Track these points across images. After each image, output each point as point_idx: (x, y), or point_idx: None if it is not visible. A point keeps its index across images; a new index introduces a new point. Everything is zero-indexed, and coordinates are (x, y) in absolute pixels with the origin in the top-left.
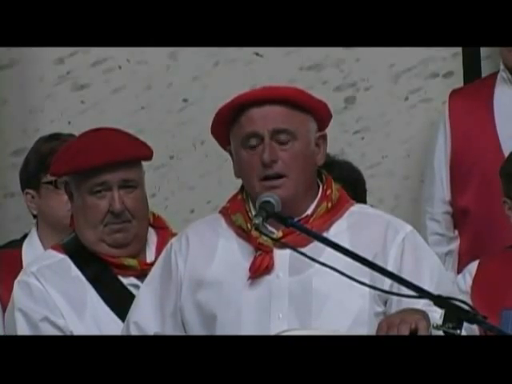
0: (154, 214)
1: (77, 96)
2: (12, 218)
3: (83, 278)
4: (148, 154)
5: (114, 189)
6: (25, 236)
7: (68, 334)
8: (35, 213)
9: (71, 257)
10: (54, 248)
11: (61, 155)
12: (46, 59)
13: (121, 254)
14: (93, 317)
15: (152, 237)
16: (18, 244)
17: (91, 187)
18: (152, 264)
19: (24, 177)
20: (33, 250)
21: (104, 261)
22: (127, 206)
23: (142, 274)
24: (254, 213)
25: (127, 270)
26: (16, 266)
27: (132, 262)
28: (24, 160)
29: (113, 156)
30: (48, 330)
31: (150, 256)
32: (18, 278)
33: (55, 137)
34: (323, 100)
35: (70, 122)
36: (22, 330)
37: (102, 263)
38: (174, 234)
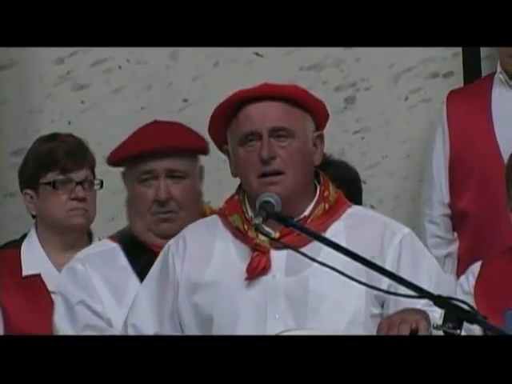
0: (211, 209)
1: (77, 96)
2: (12, 217)
3: (129, 267)
4: (200, 147)
5: (161, 178)
6: (24, 236)
7: (105, 319)
8: (34, 213)
9: (122, 246)
10: (109, 237)
11: (118, 146)
12: (46, 59)
13: (164, 244)
14: None
15: None
16: (17, 244)
17: (139, 175)
18: None
19: (23, 177)
20: (31, 251)
21: (152, 251)
22: (174, 195)
23: None
24: (250, 214)
25: None
26: (15, 266)
27: None
28: (23, 160)
29: (159, 144)
30: (83, 314)
31: None
32: (67, 264)
33: (53, 137)
34: (321, 100)
35: (70, 122)
36: (59, 312)
37: (151, 253)
38: None
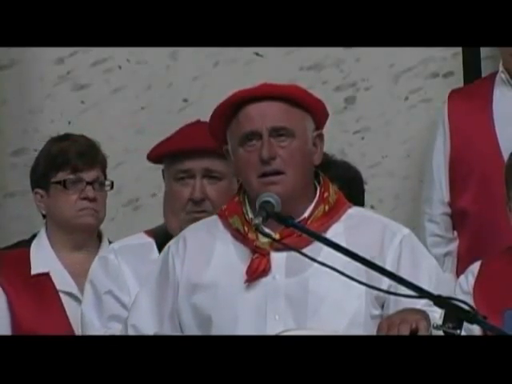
0: None
1: (77, 96)
2: (12, 218)
3: None
4: None
5: (197, 177)
6: (34, 236)
7: None
8: (44, 212)
9: (157, 241)
10: (145, 231)
11: (158, 143)
12: (46, 59)
13: None
14: None
15: None
16: (26, 244)
17: (176, 173)
18: None
19: (34, 177)
20: (41, 250)
21: None
22: (209, 195)
23: None
24: (250, 215)
25: None
26: (24, 265)
27: None
28: (35, 160)
29: (197, 144)
30: (110, 303)
31: None
32: (100, 253)
33: (66, 137)
34: (321, 99)
35: (70, 122)
36: (88, 300)
37: None
38: None
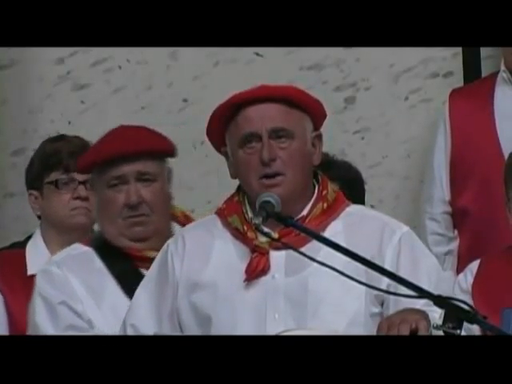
0: (183, 213)
1: (77, 96)
2: (12, 218)
3: (105, 270)
4: (167, 149)
5: (131, 181)
6: (29, 237)
7: (86, 320)
8: (39, 213)
9: (96, 250)
10: (81, 241)
11: (85, 152)
12: (46, 59)
13: (142, 247)
14: (111, 307)
15: None
16: (21, 245)
17: (109, 180)
18: None
19: (28, 178)
20: (36, 251)
21: (127, 254)
22: (145, 198)
23: None
24: (250, 214)
25: (150, 263)
26: (20, 266)
27: (155, 254)
28: (29, 161)
29: (128, 147)
30: (65, 314)
31: None
32: (42, 267)
33: (60, 138)
34: (319, 99)
35: (70, 122)
36: (41, 313)
37: (125, 256)
38: None
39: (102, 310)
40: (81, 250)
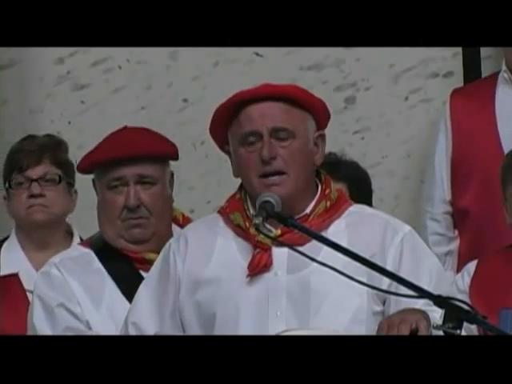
0: (183, 215)
1: (77, 96)
2: (11, 218)
3: (104, 272)
4: (169, 152)
5: (131, 184)
6: (5, 239)
7: (84, 322)
8: (11, 215)
9: (95, 251)
10: (80, 243)
11: (87, 153)
12: (46, 59)
13: (140, 249)
14: (109, 309)
15: None
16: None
17: (109, 182)
18: None
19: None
20: (11, 251)
21: (126, 256)
22: (144, 201)
23: None
24: (252, 211)
25: (149, 265)
26: None
27: (153, 256)
28: None
29: (129, 150)
30: (63, 316)
31: None
32: (41, 269)
33: (28, 138)
34: (322, 99)
35: (70, 122)
36: (38, 315)
37: (125, 258)
38: None
39: (100, 312)
40: (80, 252)
